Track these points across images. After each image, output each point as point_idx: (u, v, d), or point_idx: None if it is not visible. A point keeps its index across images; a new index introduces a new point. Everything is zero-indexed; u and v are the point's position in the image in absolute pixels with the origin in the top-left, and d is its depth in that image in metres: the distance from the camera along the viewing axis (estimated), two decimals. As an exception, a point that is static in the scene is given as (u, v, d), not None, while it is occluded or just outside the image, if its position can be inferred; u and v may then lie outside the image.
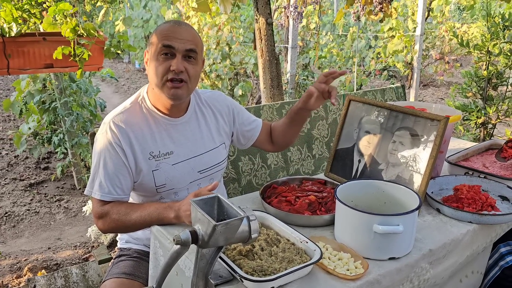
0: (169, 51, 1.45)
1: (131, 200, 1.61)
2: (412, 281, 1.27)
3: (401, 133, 1.61)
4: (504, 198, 1.62)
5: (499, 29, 3.82)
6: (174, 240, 1.02)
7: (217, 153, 1.67)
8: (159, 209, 1.42)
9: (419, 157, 1.54)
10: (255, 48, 2.91)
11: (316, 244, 1.20)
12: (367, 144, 1.71)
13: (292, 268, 1.11)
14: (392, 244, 1.22)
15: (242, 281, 1.10)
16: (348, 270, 1.16)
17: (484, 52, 3.91)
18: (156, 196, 1.57)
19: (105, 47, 2.26)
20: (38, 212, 3.77)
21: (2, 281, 2.71)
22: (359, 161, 1.72)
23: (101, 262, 2.12)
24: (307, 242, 1.22)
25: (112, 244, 2.57)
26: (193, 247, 1.04)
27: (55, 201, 3.96)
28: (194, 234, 1.03)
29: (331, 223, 1.40)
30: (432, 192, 1.62)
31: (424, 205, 1.56)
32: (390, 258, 1.23)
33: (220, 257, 1.15)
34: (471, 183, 1.66)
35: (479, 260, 1.66)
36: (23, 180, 4.36)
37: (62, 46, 1.96)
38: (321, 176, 1.83)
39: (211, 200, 1.11)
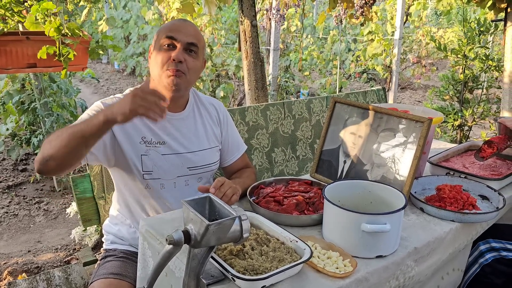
0: (171, 43, 1.51)
1: (118, 187, 1.63)
2: (398, 278, 1.30)
3: (386, 134, 1.65)
4: (484, 197, 1.67)
5: (475, 34, 3.94)
6: (166, 240, 1.03)
7: (210, 154, 1.69)
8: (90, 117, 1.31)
9: (403, 157, 1.58)
10: (239, 50, 2.92)
11: (305, 243, 1.22)
12: (352, 145, 1.74)
13: (283, 267, 1.12)
14: (380, 243, 1.25)
15: (234, 280, 1.11)
16: (337, 268, 1.19)
17: (460, 56, 4.02)
18: (143, 183, 1.57)
19: (89, 47, 2.24)
20: (17, 214, 3.68)
21: (-20, 286, 2.64)
22: (345, 162, 1.76)
23: (86, 264, 2.09)
24: (296, 241, 1.24)
25: (97, 245, 2.54)
26: (184, 247, 1.05)
27: (34, 203, 3.87)
28: (186, 234, 1.04)
29: (319, 223, 1.42)
30: (415, 192, 1.67)
31: (408, 205, 1.59)
32: (378, 256, 1.26)
33: (212, 257, 1.16)
34: (452, 183, 1.71)
35: (459, 258, 1.71)
36: (0, 182, 4.25)
37: (47, 46, 1.93)
38: (307, 176, 1.86)
39: (203, 200, 1.12)
